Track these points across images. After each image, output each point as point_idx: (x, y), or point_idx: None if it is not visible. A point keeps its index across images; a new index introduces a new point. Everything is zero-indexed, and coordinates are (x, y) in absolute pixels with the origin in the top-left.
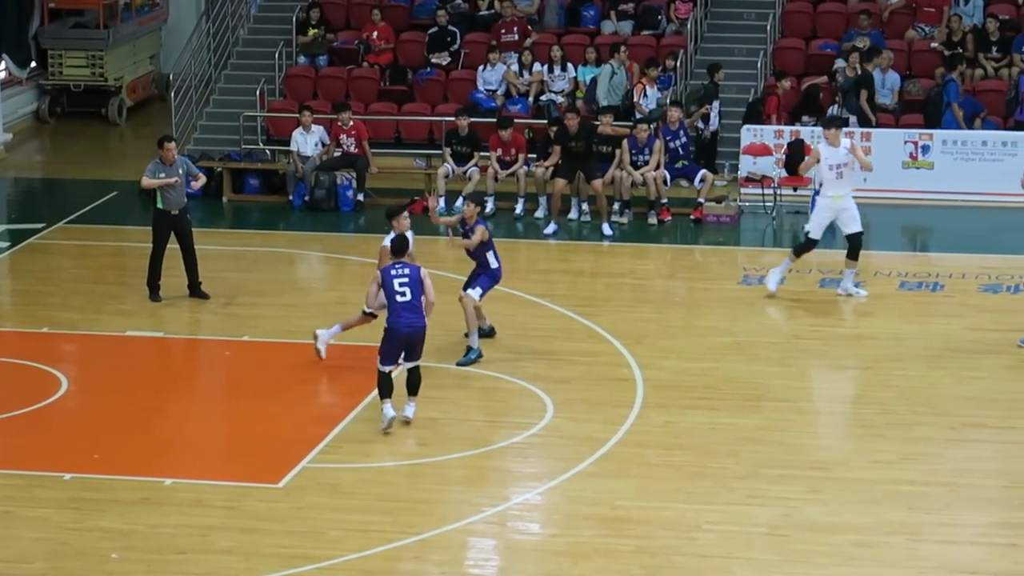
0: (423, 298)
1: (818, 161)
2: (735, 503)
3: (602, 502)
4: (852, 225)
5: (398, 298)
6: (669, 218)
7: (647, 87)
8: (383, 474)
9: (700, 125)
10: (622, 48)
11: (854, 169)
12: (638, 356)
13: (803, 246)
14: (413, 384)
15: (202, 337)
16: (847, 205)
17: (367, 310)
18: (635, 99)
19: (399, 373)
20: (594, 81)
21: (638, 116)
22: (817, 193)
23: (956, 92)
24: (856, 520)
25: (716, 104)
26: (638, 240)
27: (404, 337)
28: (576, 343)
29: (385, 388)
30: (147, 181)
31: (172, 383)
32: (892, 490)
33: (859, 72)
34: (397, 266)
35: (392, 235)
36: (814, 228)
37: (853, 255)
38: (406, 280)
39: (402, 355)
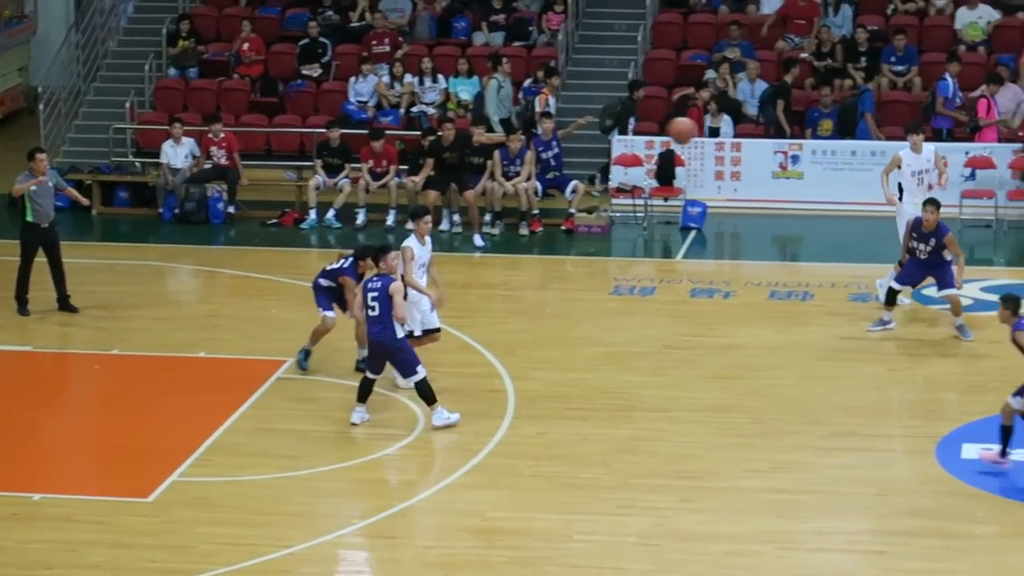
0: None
1: (898, 167)
2: (607, 513)
3: (474, 513)
4: None
5: (369, 312)
6: (540, 229)
7: (549, 97)
8: (254, 487)
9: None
10: (504, 60)
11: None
12: (510, 367)
13: None
14: (422, 397)
15: (71, 351)
16: None
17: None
18: (537, 109)
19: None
20: (480, 96)
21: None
22: (690, 203)
23: (871, 102)
24: (728, 529)
25: (632, 120)
26: (510, 251)
27: (374, 347)
28: (448, 354)
29: (361, 390)
30: (18, 186)
31: (41, 398)
32: (763, 499)
33: (729, 84)
34: (374, 279)
35: (412, 238)
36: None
37: None
38: (376, 294)
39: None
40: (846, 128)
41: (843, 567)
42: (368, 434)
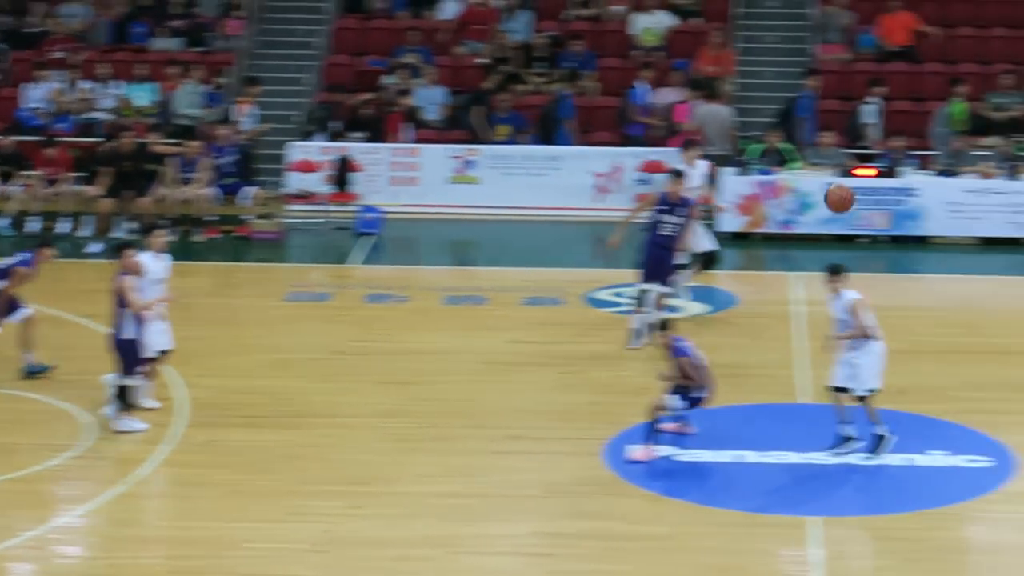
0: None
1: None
2: (276, 520)
3: (142, 523)
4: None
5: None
6: (216, 235)
7: (249, 105)
8: None
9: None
10: (194, 66)
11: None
12: (182, 375)
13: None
14: (119, 398)
15: None
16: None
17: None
18: (236, 118)
19: None
20: (161, 102)
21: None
22: (367, 209)
23: (571, 108)
24: (397, 534)
25: (339, 124)
26: (185, 258)
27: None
28: None
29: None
30: None
31: None
32: (433, 503)
33: (406, 89)
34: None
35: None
36: (705, 243)
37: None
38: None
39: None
40: (546, 135)
41: (510, 570)
42: (35, 445)
